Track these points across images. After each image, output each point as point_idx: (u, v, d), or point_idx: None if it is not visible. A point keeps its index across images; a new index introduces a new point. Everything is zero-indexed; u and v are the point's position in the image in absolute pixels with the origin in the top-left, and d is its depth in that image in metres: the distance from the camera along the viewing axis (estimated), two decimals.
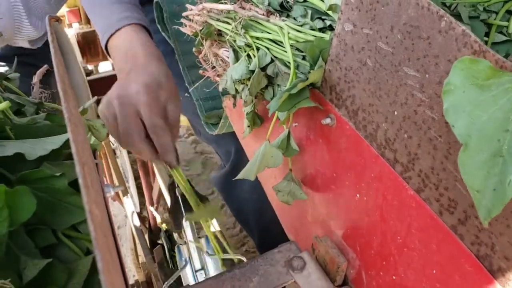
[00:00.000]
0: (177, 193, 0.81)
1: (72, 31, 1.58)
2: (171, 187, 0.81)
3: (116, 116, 0.69)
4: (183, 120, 1.14)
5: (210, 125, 0.93)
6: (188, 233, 0.85)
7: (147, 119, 0.67)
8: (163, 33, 1.03)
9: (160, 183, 1.20)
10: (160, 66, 0.75)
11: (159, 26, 1.03)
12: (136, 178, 1.63)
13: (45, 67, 0.61)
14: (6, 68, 0.70)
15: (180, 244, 0.87)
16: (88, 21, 1.62)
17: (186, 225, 0.84)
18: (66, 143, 0.43)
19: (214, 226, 1.03)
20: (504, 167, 0.27)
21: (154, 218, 1.31)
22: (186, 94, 1.01)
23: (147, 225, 1.37)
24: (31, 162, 0.41)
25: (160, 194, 1.28)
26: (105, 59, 1.68)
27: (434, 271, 0.46)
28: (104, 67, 1.95)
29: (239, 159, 1.02)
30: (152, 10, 1.04)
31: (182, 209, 0.79)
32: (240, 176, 0.59)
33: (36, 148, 0.40)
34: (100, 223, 0.27)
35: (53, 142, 0.41)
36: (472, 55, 0.35)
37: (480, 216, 0.29)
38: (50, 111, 0.55)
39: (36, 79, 0.57)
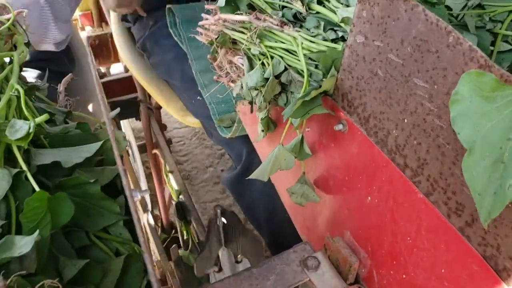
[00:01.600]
0: (219, 223, 0.81)
1: (85, 33, 1.62)
2: (213, 217, 0.81)
3: None
4: (195, 123, 1.17)
5: (223, 128, 0.96)
6: (224, 260, 0.82)
7: None
8: (175, 38, 1.06)
9: (172, 183, 1.23)
10: None
11: (171, 31, 1.06)
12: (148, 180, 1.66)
13: (70, 75, 0.64)
14: (34, 74, 0.72)
15: (214, 271, 0.85)
16: (100, 24, 1.66)
17: (223, 253, 0.81)
18: (97, 151, 0.46)
19: None
20: (505, 173, 0.30)
21: (167, 217, 1.34)
22: (199, 98, 1.04)
23: (159, 224, 1.40)
24: (64, 169, 0.44)
25: (171, 197, 1.32)
26: (116, 61, 1.72)
27: (443, 270, 0.48)
28: (116, 69, 1.99)
29: (251, 161, 1.04)
30: (165, 15, 1.07)
31: (216, 242, 0.79)
32: (253, 176, 0.62)
33: (71, 156, 0.43)
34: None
35: (87, 151, 0.44)
36: (478, 69, 0.38)
37: (481, 217, 0.32)
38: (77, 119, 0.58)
39: (61, 87, 0.60)
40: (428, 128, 0.45)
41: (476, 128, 0.33)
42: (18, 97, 0.44)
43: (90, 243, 0.45)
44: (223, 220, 0.85)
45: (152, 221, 1.16)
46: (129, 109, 1.52)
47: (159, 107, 1.49)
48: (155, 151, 1.47)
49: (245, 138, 0.96)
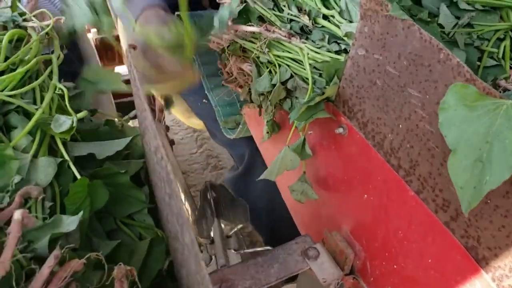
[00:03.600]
0: (209, 196, 0.88)
1: (90, 36, 1.66)
2: (203, 191, 0.87)
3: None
4: (199, 124, 1.23)
5: (227, 130, 1.01)
6: (215, 233, 0.88)
7: None
8: None
9: None
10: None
11: None
12: None
13: None
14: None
15: (206, 243, 0.92)
16: None
17: (214, 226, 0.88)
18: (126, 146, 0.51)
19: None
20: (483, 170, 0.36)
21: None
22: (204, 100, 1.09)
23: None
24: (96, 161, 0.49)
25: None
26: (121, 63, 1.76)
27: (430, 261, 0.54)
28: (120, 71, 2.04)
29: (252, 161, 1.10)
30: None
31: (210, 215, 0.86)
32: (262, 176, 0.68)
33: (104, 149, 0.48)
34: None
35: (118, 144, 0.50)
36: (465, 82, 0.44)
37: (463, 208, 0.37)
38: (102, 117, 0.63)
39: None
40: (420, 133, 0.51)
41: (460, 132, 0.39)
42: (61, 95, 0.49)
43: (117, 228, 0.50)
44: (213, 194, 0.90)
45: None
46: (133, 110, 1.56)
47: (162, 110, 1.54)
48: None
49: (247, 139, 1.02)
